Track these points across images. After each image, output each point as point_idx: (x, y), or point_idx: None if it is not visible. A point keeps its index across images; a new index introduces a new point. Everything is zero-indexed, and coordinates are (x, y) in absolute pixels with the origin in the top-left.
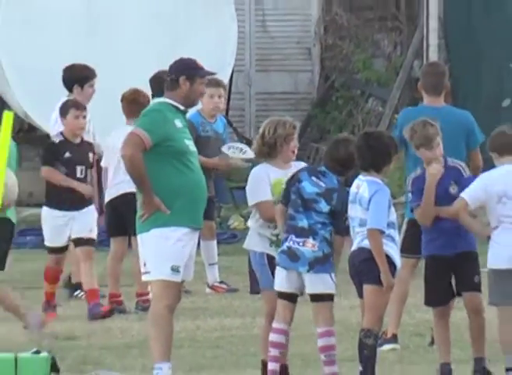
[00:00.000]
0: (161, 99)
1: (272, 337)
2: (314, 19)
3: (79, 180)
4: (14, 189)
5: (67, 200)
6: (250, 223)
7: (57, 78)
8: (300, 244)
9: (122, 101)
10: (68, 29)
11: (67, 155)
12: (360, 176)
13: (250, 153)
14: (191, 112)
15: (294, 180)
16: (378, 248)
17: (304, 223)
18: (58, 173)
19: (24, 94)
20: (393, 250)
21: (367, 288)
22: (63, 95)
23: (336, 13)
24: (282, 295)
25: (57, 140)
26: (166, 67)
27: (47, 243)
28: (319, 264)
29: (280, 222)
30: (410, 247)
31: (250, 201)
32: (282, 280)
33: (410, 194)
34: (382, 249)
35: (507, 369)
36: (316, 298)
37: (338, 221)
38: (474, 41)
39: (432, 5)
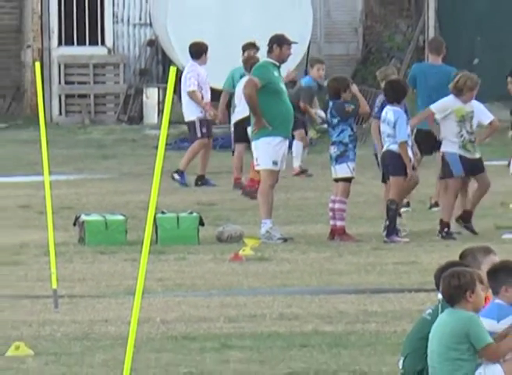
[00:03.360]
0: (265, 59)
1: None
2: (358, 9)
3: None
4: None
5: None
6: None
7: (209, 42)
8: None
9: (243, 62)
10: (209, 13)
11: None
12: (388, 106)
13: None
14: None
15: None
16: (405, 152)
17: None
18: None
19: (185, 54)
20: (410, 152)
21: (392, 178)
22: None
23: (371, 6)
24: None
25: None
26: (267, 39)
27: None
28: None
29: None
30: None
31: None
32: None
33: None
34: (407, 152)
35: None
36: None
37: None
38: (455, 24)
39: (431, 2)
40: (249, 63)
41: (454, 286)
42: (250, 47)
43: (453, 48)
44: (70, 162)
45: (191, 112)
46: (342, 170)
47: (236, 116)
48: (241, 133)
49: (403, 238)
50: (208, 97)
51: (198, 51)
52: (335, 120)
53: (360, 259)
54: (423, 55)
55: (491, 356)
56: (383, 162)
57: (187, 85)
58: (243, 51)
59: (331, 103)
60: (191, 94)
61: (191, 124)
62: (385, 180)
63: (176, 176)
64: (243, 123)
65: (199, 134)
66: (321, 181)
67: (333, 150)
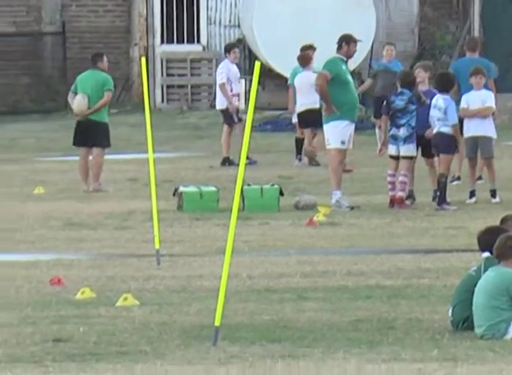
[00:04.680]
0: (335, 55)
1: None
2: (415, 13)
3: None
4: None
5: None
6: None
7: (287, 41)
8: None
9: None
10: (287, 17)
11: None
12: (438, 95)
13: None
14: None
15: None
16: (457, 133)
17: None
18: None
19: (267, 51)
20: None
21: (442, 155)
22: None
23: (426, 10)
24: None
25: None
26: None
27: None
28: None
29: None
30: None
31: None
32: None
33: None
34: (459, 133)
35: None
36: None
37: None
38: (496, 25)
39: (476, 6)
40: (303, 60)
41: (509, 246)
42: (309, 48)
43: (494, 46)
44: (170, 142)
45: (223, 102)
46: (408, 150)
47: (298, 108)
48: (306, 121)
49: (452, 206)
50: (236, 89)
51: (226, 48)
52: (412, 106)
53: (415, 224)
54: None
55: None
56: (433, 142)
57: (219, 79)
58: (302, 50)
59: (408, 91)
60: (221, 87)
61: (225, 111)
62: (430, 155)
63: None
64: (305, 114)
65: (235, 120)
66: (382, 158)
67: (402, 131)
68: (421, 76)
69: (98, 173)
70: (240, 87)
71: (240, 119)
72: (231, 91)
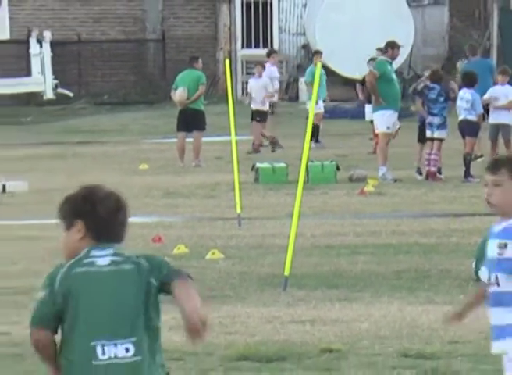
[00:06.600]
0: (383, 57)
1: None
2: (445, 23)
3: None
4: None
5: None
6: None
7: (343, 46)
8: None
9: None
10: (344, 26)
11: None
12: (465, 89)
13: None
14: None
15: None
16: (480, 119)
17: None
18: None
19: (327, 54)
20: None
21: (468, 138)
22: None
23: (454, 21)
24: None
25: None
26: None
27: None
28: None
29: None
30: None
31: None
32: None
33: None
34: (482, 120)
35: None
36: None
37: None
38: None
39: (495, 18)
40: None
41: None
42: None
43: (510, 50)
44: (248, 128)
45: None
46: (442, 134)
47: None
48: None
49: (475, 179)
50: (276, 87)
51: (268, 53)
52: (441, 98)
53: (446, 193)
54: (489, 54)
55: None
56: (460, 127)
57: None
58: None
59: (438, 86)
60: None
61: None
62: (420, 140)
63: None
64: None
65: (270, 112)
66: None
67: (436, 120)
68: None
69: (198, 152)
70: (277, 85)
71: (271, 113)
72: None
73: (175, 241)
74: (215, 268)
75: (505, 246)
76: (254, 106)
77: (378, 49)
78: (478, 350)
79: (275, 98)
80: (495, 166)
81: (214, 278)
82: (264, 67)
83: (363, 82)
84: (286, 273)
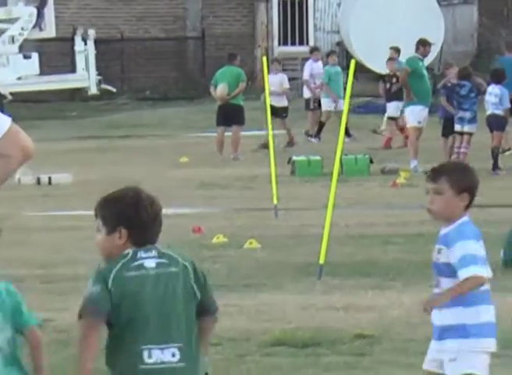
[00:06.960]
0: (414, 54)
1: None
2: (474, 21)
3: None
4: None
5: None
6: None
7: (376, 43)
8: None
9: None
10: (377, 24)
11: None
12: (493, 85)
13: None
14: None
15: None
16: (507, 113)
17: None
18: None
19: (360, 50)
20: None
21: (495, 132)
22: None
23: (483, 19)
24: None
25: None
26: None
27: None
28: None
29: None
30: None
31: None
32: None
33: None
34: (509, 114)
35: None
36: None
37: None
38: None
39: None
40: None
41: None
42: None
43: None
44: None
45: (305, 93)
46: (472, 128)
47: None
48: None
49: (503, 171)
50: (318, 83)
51: (310, 50)
52: (473, 94)
53: None
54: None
55: None
56: (488, 122)
57: (304, 75)
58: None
59: (468, 83)
60: (304, 82)
61: (307, 101)
62: (444, 134)
63: (312, 139)
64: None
65: (311, 107)
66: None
67: (467, 114)
68: None
69: (237, 145)
70: (319, 80)
71: (313, 108)
72: (314, 84)
73: (214, 231)
74: (253, 257)
75: (439, 252)
76: (274, 103)
77: (392, 48)
78: (506, 335)
79: (317, 94)
80: (436, 174)
81: (251, 267)
82: (280, 63)
83: (384, 79)
84: (321, 261)
